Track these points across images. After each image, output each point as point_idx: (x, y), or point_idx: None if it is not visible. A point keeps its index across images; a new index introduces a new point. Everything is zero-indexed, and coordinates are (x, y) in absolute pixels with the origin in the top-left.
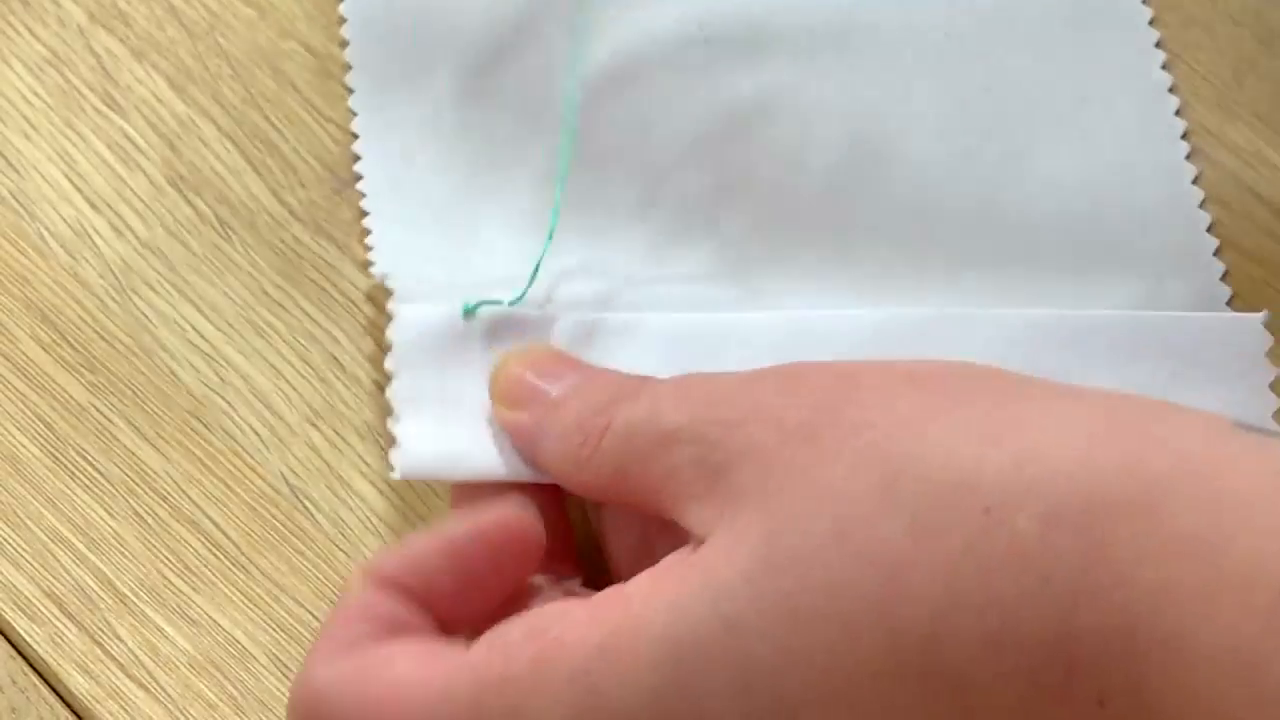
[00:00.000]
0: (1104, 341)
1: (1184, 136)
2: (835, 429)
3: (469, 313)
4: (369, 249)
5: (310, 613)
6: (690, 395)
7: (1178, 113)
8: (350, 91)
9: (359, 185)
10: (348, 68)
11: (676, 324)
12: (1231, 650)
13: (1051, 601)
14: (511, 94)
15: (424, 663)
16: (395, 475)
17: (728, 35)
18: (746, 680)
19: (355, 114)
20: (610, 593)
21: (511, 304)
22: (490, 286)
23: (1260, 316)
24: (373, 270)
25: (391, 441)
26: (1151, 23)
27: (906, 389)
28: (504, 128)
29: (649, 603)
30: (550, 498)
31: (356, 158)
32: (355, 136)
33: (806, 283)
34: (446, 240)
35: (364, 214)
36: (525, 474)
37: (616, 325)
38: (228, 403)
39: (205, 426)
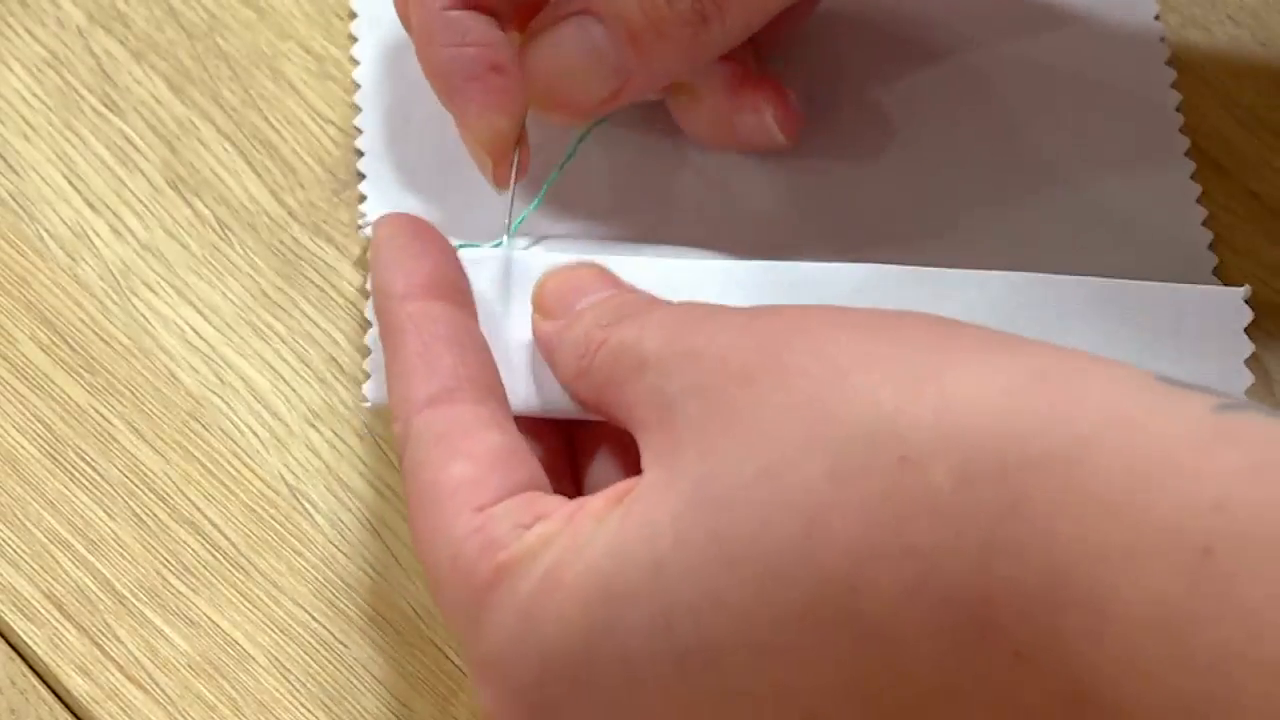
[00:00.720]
0: (1084, 305)
1: (1182, 130)
2: (771, 374)
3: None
4: (363, 198)
5: (309, 614)
6: (670, 323)
7: (1180, 114)
8: (354, 40)
9: (357, 141)
10: (353, 15)
11: (663, 268)
12: (1156, 610)
13: (966, 554)
14: None
15: (455, 500)
16: (367, 405)
17: None
18: (669, 620)
19: (357, 63)
20: (568, 510)
21: (495, 246)
22: (480, 238)
23: (1242, 291)
24: (362, 226)
25: (366, 378)
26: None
27: (844, 336)
28: None
29: (590, 536)
30: (550, 425)
31: (356, 109)
32: (357, 86)
33: (797, 239)
34: (440, 195)
35: (359, 154)
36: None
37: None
38: (227, 404)
39: (204, 428)
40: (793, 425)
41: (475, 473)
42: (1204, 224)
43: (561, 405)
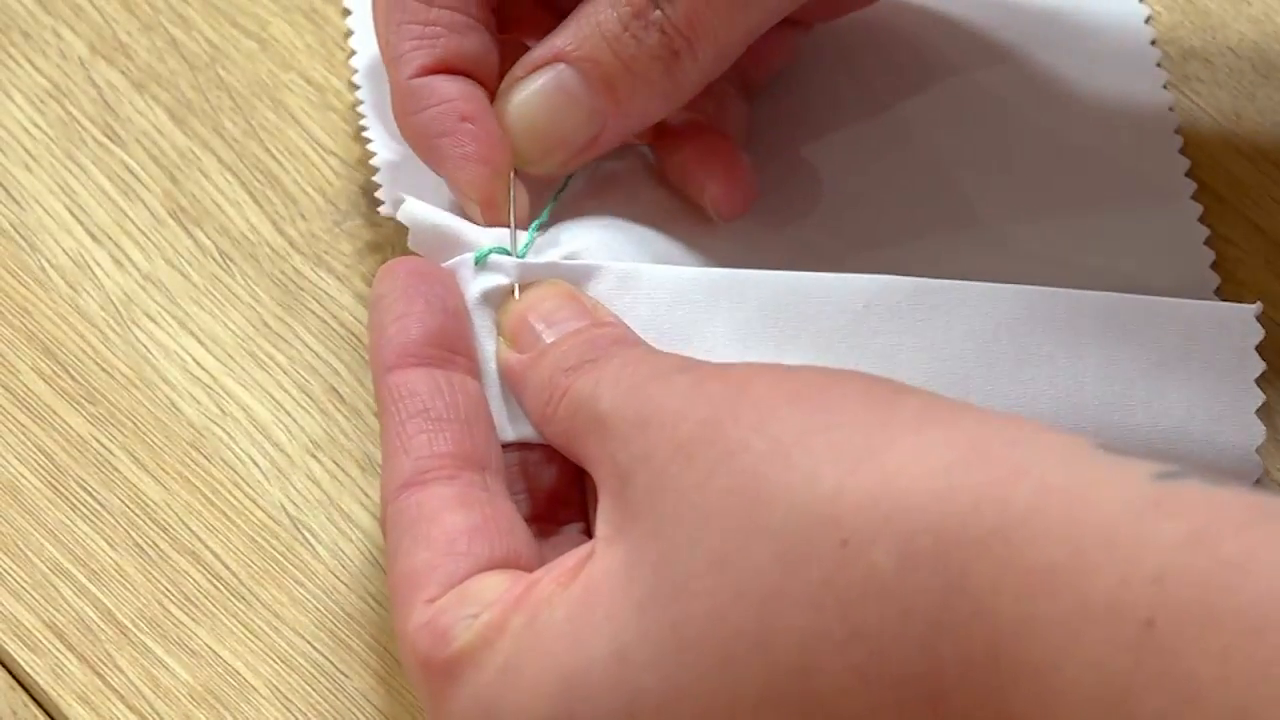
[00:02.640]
0: (1094, 322)
1: (1182, 151)
2: (715, 448)
3: (479, 261)
4: (377, 184)
5: (310, 644)
6: (623, 379)
7: (1171, 109)
8: (350, 33)
9: (361, 116)
10: (347, 12)
11: (672, 278)
12: (1100, 683)
13: (913, 635)
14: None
15: (412, 591)
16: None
17: None
18: (632, 711)
19: (354, 52)
20: (516, 594)
21: (521, 255)
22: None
23: (1253, 309)
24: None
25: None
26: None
27: (785, 407)
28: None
29: (549, 628)
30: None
31: (358, 101)
32: (354, 71)
33: (806, 237)
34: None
35: (363, 124)
36: (525, 434)
37: (613, 275)
38: (228, 434)
39: (205, 458)
40: (735, 509)
41: (431, 561)
42: (1205, 243)
43: (529, 431)
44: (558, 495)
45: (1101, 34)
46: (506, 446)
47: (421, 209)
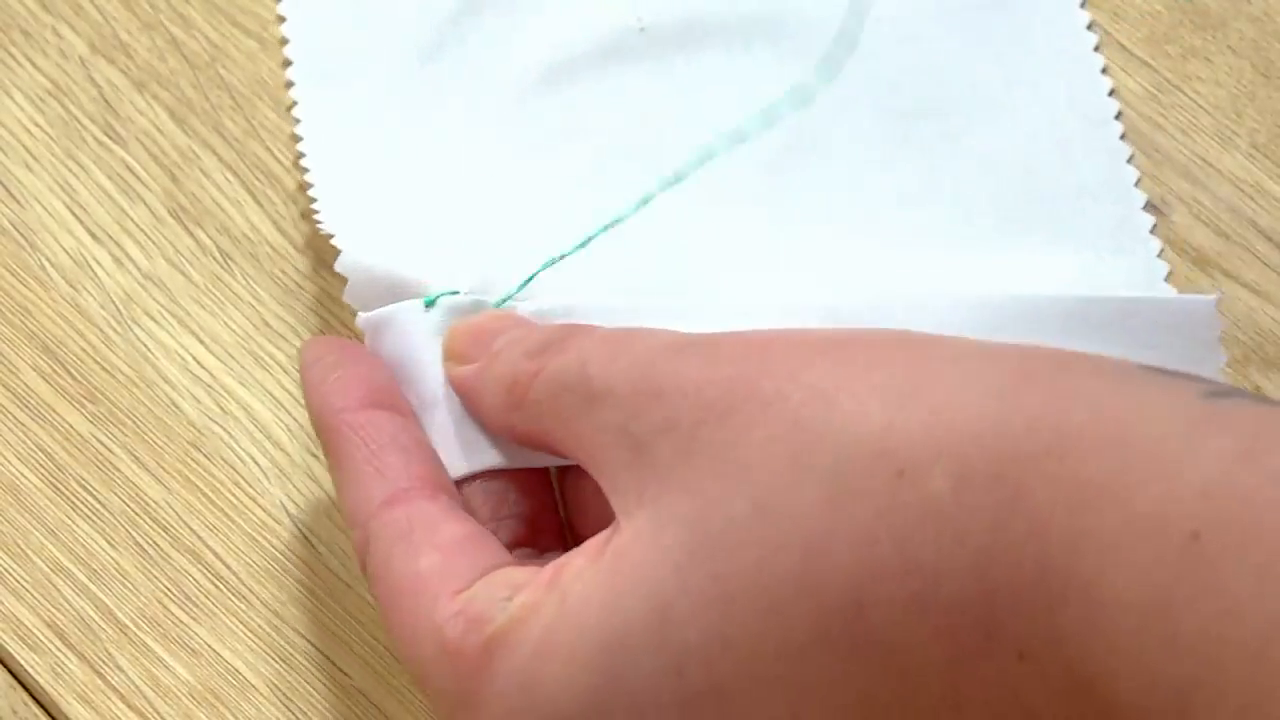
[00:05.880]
0: (1056, 323)
1: (1123, 137)
2: (749, 403)
3: (429, 305)
4: (326, 231)
5: (311, 643)
6: (618, 355)
7: (1112, 93)
8: (290, 84)
9: (305, 173)
10: (288, 63)
11: (629, 307)
12: (1144, 595)
13: (968, 560)
14: (450, 82)
15: (429, 589)
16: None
17: (664, 23)
18: (679, 666)
19: (296, 102)
20: (548, 576)
21: (470, 293)
22: (439, 274)
23: (1212, 299)
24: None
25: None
26: (1082, 5)
27: (817, 357)
28: (448, 114)
29: (581, 596)
30: (533, 472)
31: (300, 154)
32: (297, 121)
33: (746, 267)
34: (395, 233)
35: (312, 202)
36: (486, 462)
37: (567, 308)
38: (228, 433)
39: (206, 457)
40: (779, 456)
41: (444, 562)
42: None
43: (489, 458)
44: (535, 523)
45: (1037, 32)
46: (462, 481)
47: (361, 259)
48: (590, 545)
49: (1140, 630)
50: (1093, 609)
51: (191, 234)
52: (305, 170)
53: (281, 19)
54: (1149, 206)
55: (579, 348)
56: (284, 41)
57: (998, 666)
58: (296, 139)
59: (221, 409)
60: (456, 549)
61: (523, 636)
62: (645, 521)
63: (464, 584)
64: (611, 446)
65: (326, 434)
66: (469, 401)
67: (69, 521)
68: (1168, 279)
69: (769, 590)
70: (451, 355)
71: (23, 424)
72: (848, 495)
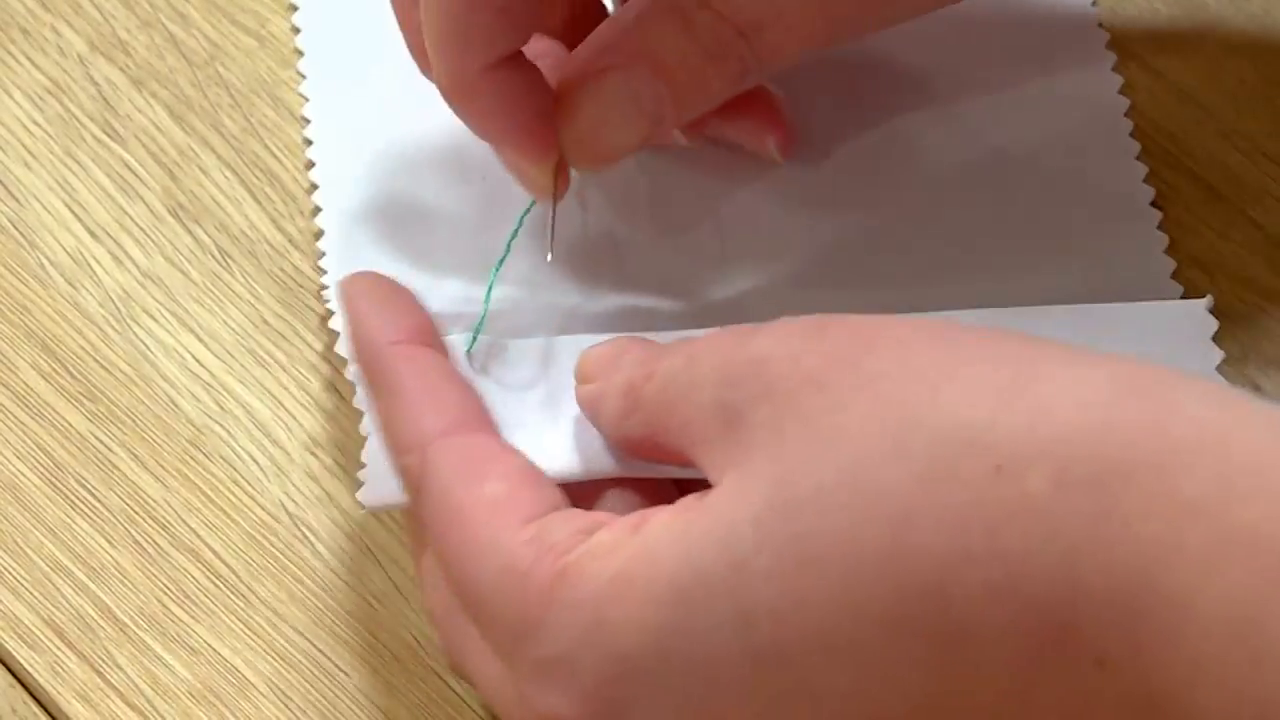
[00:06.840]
0: (1052, 334)
1: (1132, 134)
2: (850, 377)
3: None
4: (321, 254)
5: (310, 641)
6: (723, 339)
7: (1127, 113)
8: (303, 77)
9: (314, 181)
10: (299, 53)
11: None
12: (1232, 611)
13: (1057, 556)
14: None
15: (498, 514)
16: (363, 510)
17: None
18: (749, 620)
19: (307, 99)
20: (633, 521)
21: (475, 333)
22: (438, 296)
23: (1204, 302)
24: (325, 287)
25: (361, 466)
26: (1093, 3)
27: (924, 344)
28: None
29: (661, 540)
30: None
31: (310, 156)
32: (306, 121)
33: (750, 281)
34: (397, 251)
35: (316, 210)
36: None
37: (563, 346)
38: (227, 431)
39: (205, 455)
40: (876, 432)
41: (511, 490)
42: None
43: (601, 465)
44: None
45: (1051, 29)
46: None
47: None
48: (680, 502)
49: (1227, 646)
50: (1179, 622)
51: (190, 232)
52: (312, 165)
53: (293, 7)
54: (1153, 204)
55: (690, 349)
56: (296, 32)
57: (1074, 670)
58: (307, 142)
59: (220, 407)
60: (521, 480)
61: (598, 570)
62: (731, 479)
63: (536, 513)
64: (709, 421)
65: (378, 363)
66: (591, 416)
67: (68, 520)
68: (1174, 276)
69: (851, 559)
70: (583, 377)
71: (22, 422)
72: (943, 481)
